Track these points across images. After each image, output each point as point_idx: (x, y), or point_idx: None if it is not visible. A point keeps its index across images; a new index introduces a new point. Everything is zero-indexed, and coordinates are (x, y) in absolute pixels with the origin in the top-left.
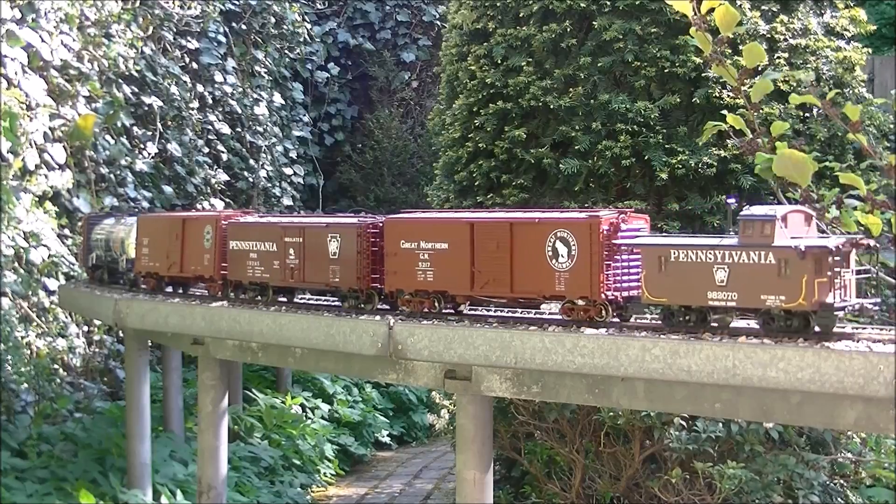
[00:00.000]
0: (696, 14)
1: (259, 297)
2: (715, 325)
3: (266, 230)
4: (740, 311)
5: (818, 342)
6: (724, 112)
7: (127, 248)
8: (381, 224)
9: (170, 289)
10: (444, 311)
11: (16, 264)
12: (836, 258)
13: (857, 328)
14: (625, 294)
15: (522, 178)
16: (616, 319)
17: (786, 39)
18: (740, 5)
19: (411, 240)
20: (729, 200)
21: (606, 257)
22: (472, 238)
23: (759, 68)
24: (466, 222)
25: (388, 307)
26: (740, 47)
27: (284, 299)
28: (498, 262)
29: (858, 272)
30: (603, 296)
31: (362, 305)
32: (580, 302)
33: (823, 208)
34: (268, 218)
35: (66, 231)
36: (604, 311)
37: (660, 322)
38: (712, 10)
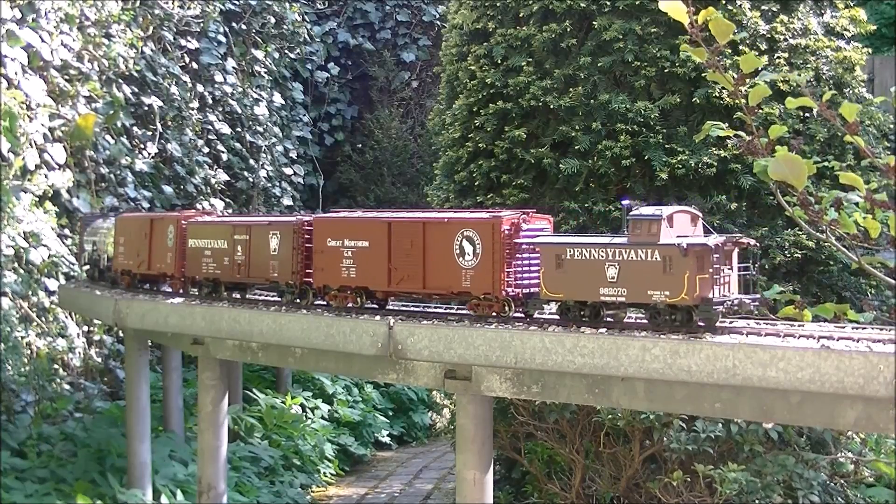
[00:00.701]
0: (692, 23)
1: (212, 293)
2: (609, 319)
3: (218, 229)
4: (629, 305)
5: (699, 334)
6: (724, 112)
7: (108, 247)
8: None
9: (146, 286)
10: (365, 305)
11: (16, 264)
12: (717, 256)
13: (733, 322)
14: (525, 290)
15: (522, 178)
16: (521, 314)
17: (786, 39)
18: (740, 5)
19: (337, 238)
20: (623, 202)
21: (507, 255)
22: (389, 237)
23: (759, 68)
24: (384, 221)
25: (323, 303)
26: (740, 47)
27: (237, 295)
28: (412, 259)
29: (740, 269)
30: (504, 292)
31: (297, 300)
32: (484, 298)
33: (822, 210)
34: (223, 218)
35: (66, 231)
36: (506, 307)
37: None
38: (706, 22)
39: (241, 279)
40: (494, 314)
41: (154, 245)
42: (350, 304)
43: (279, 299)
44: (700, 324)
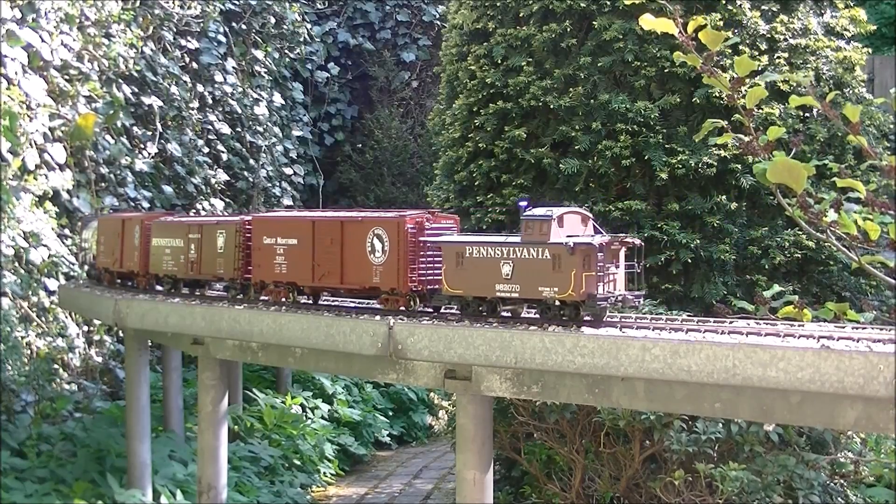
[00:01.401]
0: (681, 33)
1: (172, 290)
2: (507, 314)
3: (176, 228)
4: (522, 301)
5: (578, 327)
6: (724, 112)
7: (92, 246)
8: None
9: (120, 282)
10: (296, 300)
11: (16, 264)
12: (601, 254)
13: (625, 316)
14: (429, 287)
15: (522, 178)
16: (430, 309)
17: (786, 39)
18: (740, 5)
19: (271, 236)
20: (520, 203)
21: (412, 253)
22: (313, 235)
23: (759, 68)
24: (309, 220)
25: (266, 298)
26: (740, 47)
27: (198, 292)
28: (331, 256)
29: (627, 267)
30: (408, 287)
31: (240, 296)
32: (391, 293)
33: (821, 212)
34: (181, 218)
35: (66, 231)
36: (412, 302)
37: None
38: (698, 29)
39: (194, 276)
40: (402, 308)
41: (125, 244)
42: (283, 299)
43: (227, 294)
44: (587, 318)
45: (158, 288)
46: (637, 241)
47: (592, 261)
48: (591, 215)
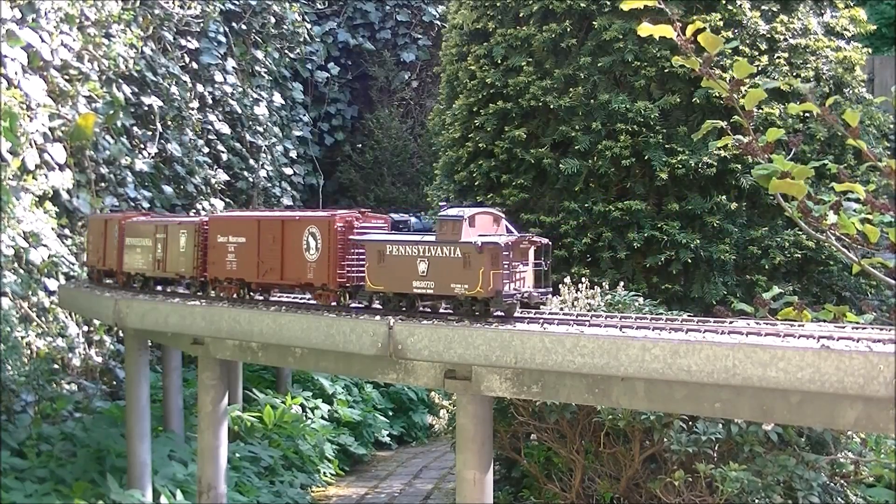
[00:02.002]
0: (680, 36)
1: (143, 287)
2: (428, 309)
3: (147, 228)
4: (437, 297)
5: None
6: (724, 112)
7: (87, 246)
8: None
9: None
10: (247, 295)
11: (16, 264)
12: (507, 254)
13: (539, 312)
14: (356, 283)
15: (522, 178)
16: (361, 305)
17: (786, 39)
18: (740, 5)
19: (224, 235)
20: (441, 204)
21: (341, 251)
22: (258, 233)
23: (758, 68)
24: (255, 219)
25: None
26: (740, 47)
27: (168, 289)
28: (273, 253)
29: (536, 265)
30: (337, 283)
31: (199, 293)
32: (322, 288)
33: (821, 216)
34: (152, 218)
35: (66, 231)
36: (342, 297)
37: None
38: (697, 32)
39: (160, 274)
40: (334, 303)
41: (107, 243)
42: (234, 295)
43: (187, 292)
44: (498, 314)
45: (136, 285)
46: (544, 241)
47: (499, 259)
48: (503, 216)
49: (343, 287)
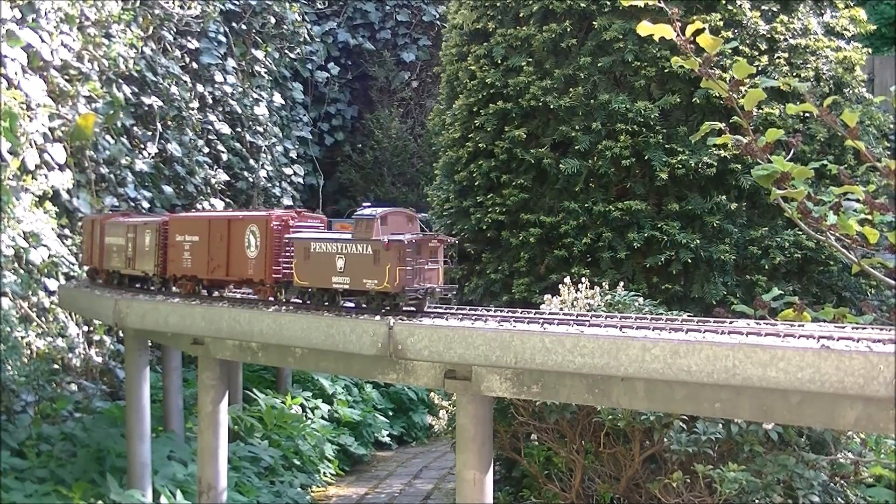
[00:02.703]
0: (679, 36)
1: (119, 283)
2: (351, 304)
3: (120, 227)
4: (352, 292)
5: (397, 316)
6: (724, 112)
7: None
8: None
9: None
10: (201, 292)
11: (16, 264)
12: (410, 251)
13: (449, 308)
14: (288, 279)
15: (522, 178)
16: (298, 300)
17: (786, 39)
18: (740, 5)
19: (181, 234)
20: (365, 204)
21: (276, 248)
22: (209, 232)
23: (758, 68)
24: (206, 219)
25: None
26: (740, 47)
27: (137, 286)
28: (221, 251)
29: (445, 262)
30: (272, 279)
31: (163, 289)
32: (260, 283)
33: (821, 217)
34: (126, 219)
35: (66, 231)
36: (278, 293)
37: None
38: (696, 33)
39: (131, 272)
40: (271, 298)
41: (93, 242)
42: (190, 291)
43: (153, 289)
44: (408, 308)
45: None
46: (451, 240)
47: (404, 256)
48: (417, 215)
49: (278, 282)
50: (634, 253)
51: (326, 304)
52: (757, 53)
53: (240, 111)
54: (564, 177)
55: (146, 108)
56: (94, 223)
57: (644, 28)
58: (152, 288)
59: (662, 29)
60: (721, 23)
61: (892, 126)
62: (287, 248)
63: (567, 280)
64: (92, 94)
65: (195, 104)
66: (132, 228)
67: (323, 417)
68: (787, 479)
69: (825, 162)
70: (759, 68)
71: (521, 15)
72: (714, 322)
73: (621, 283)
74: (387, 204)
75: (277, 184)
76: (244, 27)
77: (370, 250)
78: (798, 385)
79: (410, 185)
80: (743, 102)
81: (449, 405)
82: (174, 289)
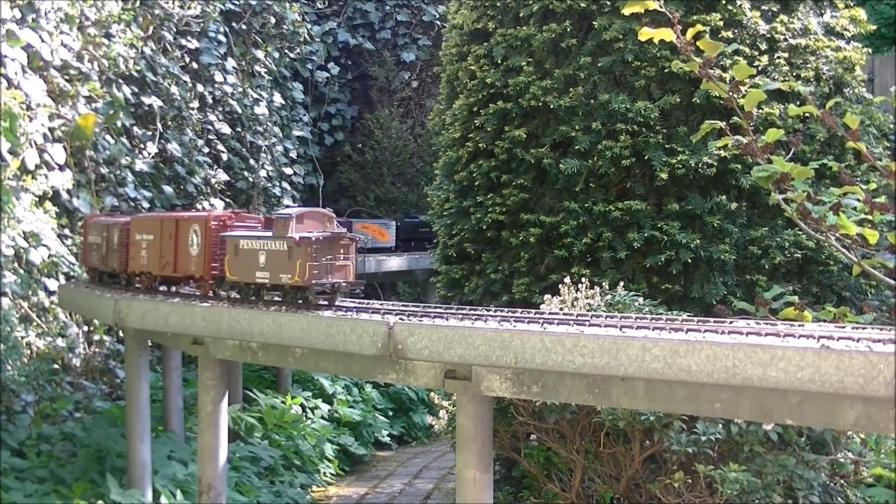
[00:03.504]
0: (679, 38)
1: (100, 280)
2: (277, 298)
3: (98, 227)
4: (272, 286)
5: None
6: (724, 112)
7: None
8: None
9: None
10: (157, 288)
11: (16, 264)
12: (318, 248)
13: (362, 301)
14: (222, 275)
15: (522, 178)
16: (237, 295)
17: (786, 39)
18: (740, 5)
19: (140, 233)
20: (288, 205)
21: (213, 246)
22: (161, 231)
23: (759, 68)
24: (159, 219)
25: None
26: (739, 47)
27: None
28: (170, 249)
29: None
30: (210, 275)
31: (126, 284)
32: (200, 279)
33: (821, 217)
34: (103, 218)
35: (66, 231)
36: (215, 288)
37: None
38: (697, 35)
39: (103, 267)
40: (210, 293)
41: (83, 241)
42: (147, 286)
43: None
44: (320, 302)
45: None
46: (359, 238)
47: (313, 253)
48: (334, 215)
49: (214, 278)
50: (634, 253)
51: (253, 297)
52: (757, 53)
53: (240, 111)
54: (564, 177)
55: (146, 108)
56: (85, 222)
57: (645, 33)
58: (119, 284)
59: (663, 32)
60: (721, 23)
61: (892, 126)
62: (223, 247)
63: (567, 280)
64: (92, 94)
65: (195, 104)
66: (106, 228)
67: (323, 417)
68: (787, 480)
69: (825, 161)
70: (759, 68)
71: (521, 15)
72: (714, 322)
73: (621, 283)
74: (388, 203)
75: (277, 184)
76: (244, 27)
77: (285, 247)
78: (798, 385)
79: (410, 185)
80: (743, 103)
81: (449, 405)
82: (136, 285)
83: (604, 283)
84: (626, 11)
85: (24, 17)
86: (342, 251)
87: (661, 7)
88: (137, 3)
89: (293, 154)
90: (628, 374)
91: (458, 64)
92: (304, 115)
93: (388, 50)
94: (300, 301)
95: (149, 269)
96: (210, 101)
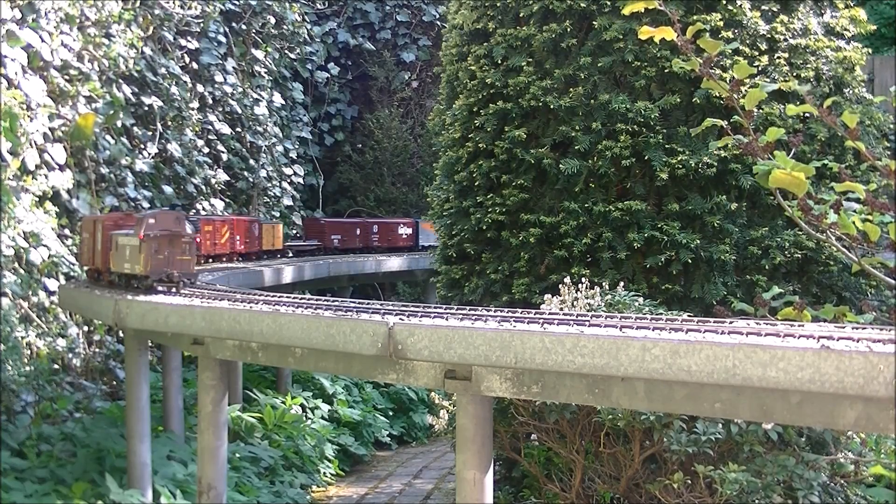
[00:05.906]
0: (679, 37)
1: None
2: (147, 287)
3: (88, 226)
4: (132, 276)
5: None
6: (724, 112)
7: None
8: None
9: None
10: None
11: (16, 264)
12: (155, 243)
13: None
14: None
15: (522, 178)
16: (139, 288)
17: (786, 39)
18: (741, 5)
19: (87, 232)
20: (164, 208)
21: (108, 243)
22: (94, 231)
23: (759, 68)
24: (92, 219)
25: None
26: (740, 47)
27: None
28: (96, 246)
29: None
30: (106, 267)
31: (99, 279)
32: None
33: (822, 215)
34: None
35: (66, 231)
36: (112, 279)
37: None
38: (697, 34)
39: (89, 266)
40: (109, 282)
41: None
42: (104, 281)
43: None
44: (161, 289)
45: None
46: (197, 238)
47: (156, 247)
48: (185, 215)
49: (109, 271)
50: (634, 253)
51: (135, 286)
52: (757, 53)
53: (240, 111)
54: (564, 177)
55: (146, 108)
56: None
57: (645, 32)
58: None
59: (663, 31)
60: (721, 23)
61: (892, 126)
62: (111, 242)
63: (567, 280)
64: (92, 94)
65: (195, 104)
66: (91, 226)
67: (323, 417)
68: (787, 480)
69: (826, 162)
70: (760, 68)
71: (521, 15)
72: (714, 322)
73: (621, 284)
74: (388, 203)
75: (277, 184)
76: (244, 27)
77: (137, 242)
78: (798, 385)
79: (410, 185)
80: (743, 102)
81: (449, 405)
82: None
83: (604, 284)
84: (627, 11)
85: (24, 17)
86: (183, 248)
87: (660, 6)
88: (137, 4)
89: (293, 154)
90: (628, 375)
91: (458, 64)
92: (304, 115)
93: (388, 50)
94: (146, 287)
95: (94, 264)
96: (210, 101)
